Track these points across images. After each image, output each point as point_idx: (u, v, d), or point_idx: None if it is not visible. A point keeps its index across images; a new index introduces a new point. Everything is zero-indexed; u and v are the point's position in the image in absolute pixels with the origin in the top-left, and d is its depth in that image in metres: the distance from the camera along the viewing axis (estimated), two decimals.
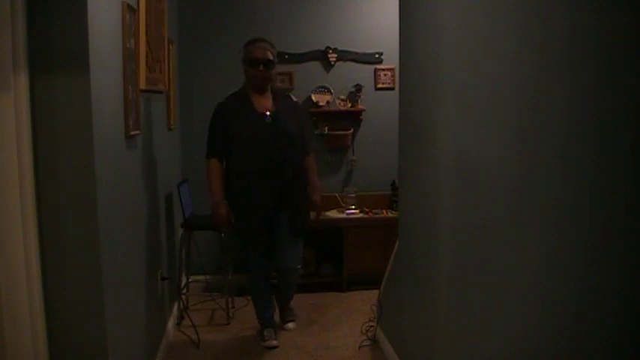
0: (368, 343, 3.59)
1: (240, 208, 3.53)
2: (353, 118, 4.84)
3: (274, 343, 3.61)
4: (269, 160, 3.41)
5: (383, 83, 4.85)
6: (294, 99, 3.75)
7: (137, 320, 2.74)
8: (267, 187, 3.45)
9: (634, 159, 1.17)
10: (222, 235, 3.97)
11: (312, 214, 3.73)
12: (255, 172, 3.43)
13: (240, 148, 3.44)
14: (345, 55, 4.79)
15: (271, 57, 3.50)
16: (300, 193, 3.59)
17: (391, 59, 4.65)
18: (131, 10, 2.57)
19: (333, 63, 4.78)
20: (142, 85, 2.75)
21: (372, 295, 3.97)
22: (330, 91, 4.77)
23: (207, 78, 4.72)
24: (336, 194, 4.85)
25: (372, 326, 3.70)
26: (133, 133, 2.57)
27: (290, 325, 3.89)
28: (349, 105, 4.77)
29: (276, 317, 3.89)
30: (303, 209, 3.63)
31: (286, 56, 4.74)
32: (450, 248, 2.32)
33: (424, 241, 2.70)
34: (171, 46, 3.94)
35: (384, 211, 4.73)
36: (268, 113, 3.46)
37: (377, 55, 4.82)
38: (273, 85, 3.67)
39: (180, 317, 3.94)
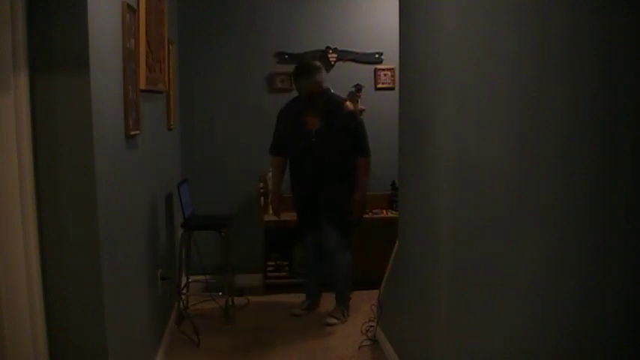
0: (368, 343, 3.59)
1: (296, 198, 4.06)
2: None
3: (296, 311, 4.09)
4: (311, 169, 3.87)
5: (383, 83, 4.85)
6: (348, 107, 3.89)
7: (137, 320, 2.74)
8: (309, 190, 3.93)
9: (634, 159, 1.17)
10: (222, 234, 3.97)
11: (356, 211, 3.94)
12: (302, 176, 3.95)
13: (290, 155, 3.99)
14: (345, 55, 4.79)
15: (324, 85, 3.84)
16: (341, 195, 3.88)
17: (391, 59, 4.64)
18: (131, 10, 2.57)
19: (333, 63, 4.78)
20: (142, 85, 2.75)
21: (372, 295, 3.96)
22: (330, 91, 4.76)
23: (207, 78, 4.72)
24: None
25: (372, 326, 3.70)
26: (133, 133, 2.57)
27: (329, 319, 3.92)
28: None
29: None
30: (343, 209, 3.88)
31: (286, 56, 4.74)
32: (449, 248, 2.32)
33: (424, 241, 2.70)
34: (171, 46, 3.94)
35: (384, 211, 4.74)
36: (315, 131, 3.81)
37: (377, 55, 4.82)
38: (327, 94, 3.89)
39: (180, 317, 3.94)
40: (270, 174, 4.42)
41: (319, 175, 3.87)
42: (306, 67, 3.87)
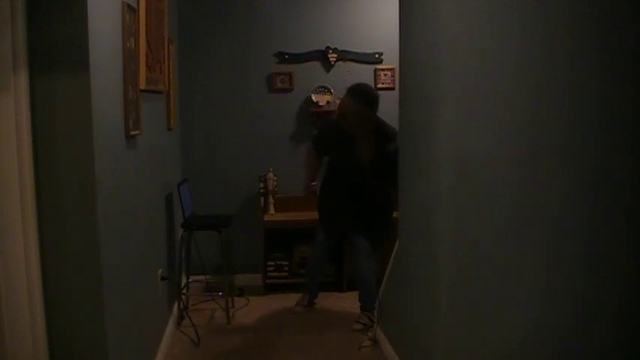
0: (368, 343, 3.59)
1: (325, 198, 4.02)
2: None
3: (296, 308, 4.13)
4: (348, 178, 3.83)
5: (383, 83, 4.84)
6: (389, 126, 3.72)
7: (137, 320, 2.74)
8: (344, 197, 3.87)
9: (634, 159, 1.17)
10: (222, 234, 3.97)
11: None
12: (336, 184, 3.92)
13: (331, 159, 3.98)
14: (345, 55, 4.78)
15: (365, 124, 3.67)
16: (378, 211, 3.83)
17: (391, 59, 4.64)
18: (131, 10, 2.57)
19: (333, 63, 4.78)
20: (142, 85, 2.75)
21: None
22: (330, 91, 4.77)
23: (207, 78, 4.72)
24: None
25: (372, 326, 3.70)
26: (133, 133, 2.57)
27: (355, 325, 3.86)
28: None
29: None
30: (376, 224, 3.84)
31: (286, 56, 4.74)
32: (449, 248, 2.32)
33: (424, 241, 2.70)
34: (171, 46, 3.94)
35: None
36: (368, 160, 3.68)
37: (377, 55, 4.82)
38: (378, 121, 3.77)
39: (180, 317, 3.94)
40: (270, 174, 4.48)
41: (360, 191, 3.82)
42: (374, 98, 3.68)
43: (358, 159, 3.72)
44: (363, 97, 3.65)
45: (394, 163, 3.29)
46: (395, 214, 3.56)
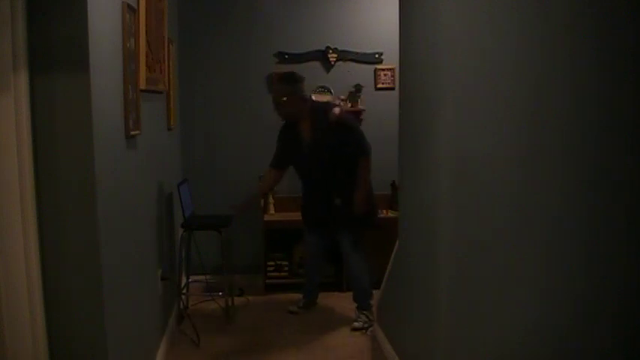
0: (368, 343, 3.59)
1: (302, 200, 4.10)
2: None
3: (292, 308, 4.14)
4: (313, 179, 3.92)
5: (383, 83, 4.85)
6: (335, 112, 3.80)
7: (137, 320, 2.74)
8: (317, 197, 3.94)
9: (634, 159, 1.17)
10: (222, 234, 3.97)
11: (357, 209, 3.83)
12: (306, 185, 4.01)
13: (296, 169, 4.01)
14: (345, 55, 4.79)
15: (281, 98, 3.80)
16: (348, 200, 3.80)
17: (391, 59, 4.64)
18: (131, 10, 2.57)
19: (333, 63, 4.78)
20: (142, 85, 2.75)
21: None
22: (330, 91, 4.77)
23: (207, 78, 4.72)
24: None
25: (372, 326, 3.70)
26: (133, 133, 2.57)
27: (354, 324, 3.86)
28: (349, 105, 4.77)
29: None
30: (350, 214, 3.81)
31: (286, 56, 4.74)
32: (449, 248, 2.31)
33: (424, 241, 2.70)
34: (171, 46, 3.94)
35: (384, 211, 4.73)
36: (306, 143, 3.82)
37: (377, 55, 4.82)
38: (313, 105, 3.90)
39: (180, 317, 3.94)
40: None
41: (323, 184, 3.87)
42: (289, 75, 3.89)
43: (313, 155, 3.80)
44: (278, 78, 3.92)
45: (349, 133, 3.64)
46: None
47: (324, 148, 3.76)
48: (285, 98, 3.77)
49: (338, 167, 3.79)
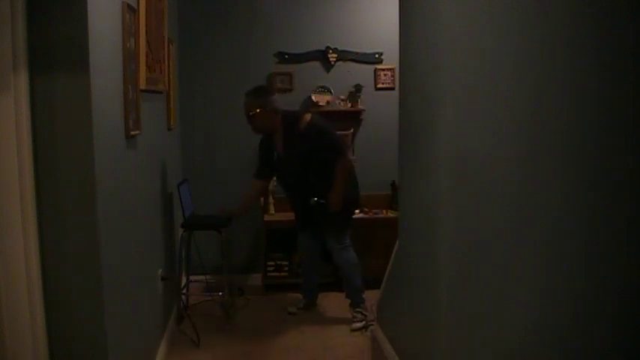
0: (368, 342, 3.59)
1: (291, 207, 4.18)
2: (353, 118, 4.83)
3: (291, 309, 4.15)
4: (287, 184, 4.02)
5: (383, 83, 4.85)
6: (305, 119, 3.82)
7: (137, 320, 2.74)
8: (295, 201, 4.04)
9: (634, 159, 1.17)
10: (222, 234, 3.97)
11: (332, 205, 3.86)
12: (285, 191, 4.13)
13: (277, 179, 4.15)
14: (345, 55, 4.78)
15: (252, 112, 3.84)
16: (326, 202, 3.85)
17: (391, 59, 4.64)
18: (131, 10, 2.57)
19: (333, 63, 4.78)
20: (142, 85, 2.75)
21: (372, 295, 3.97)
22: (330, 91, 4.77)
23: (207, 78, 4.72)
24: None
25: (372, 326, 3.70)
26: (133, 133, 2.57)
27: (352, 325, 3.87)
28: (349, 105, 4.77)
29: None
30: (330, 214, 3.85)
31: (286, 56, 4.74)
32: (449, 248, 2.31)
33: (424, 241, 2.70)
34: (171, 46, 3.94)
35: (384, 211, 4.74)
36: (279, 153, 3.90)
37: (377, 55, 4.82)
38: (284, 115, 3.89)
39: (180, 317, 3.94)
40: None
41: (297, 189, 3.94)
42: (255, 89, 3.93)
43: (285, 164, 3.89)
44: (247, 92, 3.91)
45: (320, 137, 3.71)
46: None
47: (295, 156, 3.81)
48: (256, 111, 3.80)
49: (310, 172, 3.82)
